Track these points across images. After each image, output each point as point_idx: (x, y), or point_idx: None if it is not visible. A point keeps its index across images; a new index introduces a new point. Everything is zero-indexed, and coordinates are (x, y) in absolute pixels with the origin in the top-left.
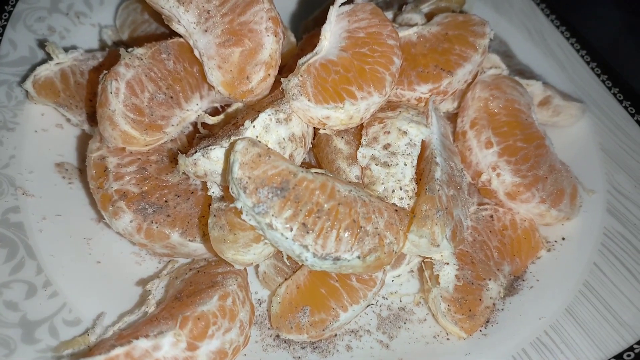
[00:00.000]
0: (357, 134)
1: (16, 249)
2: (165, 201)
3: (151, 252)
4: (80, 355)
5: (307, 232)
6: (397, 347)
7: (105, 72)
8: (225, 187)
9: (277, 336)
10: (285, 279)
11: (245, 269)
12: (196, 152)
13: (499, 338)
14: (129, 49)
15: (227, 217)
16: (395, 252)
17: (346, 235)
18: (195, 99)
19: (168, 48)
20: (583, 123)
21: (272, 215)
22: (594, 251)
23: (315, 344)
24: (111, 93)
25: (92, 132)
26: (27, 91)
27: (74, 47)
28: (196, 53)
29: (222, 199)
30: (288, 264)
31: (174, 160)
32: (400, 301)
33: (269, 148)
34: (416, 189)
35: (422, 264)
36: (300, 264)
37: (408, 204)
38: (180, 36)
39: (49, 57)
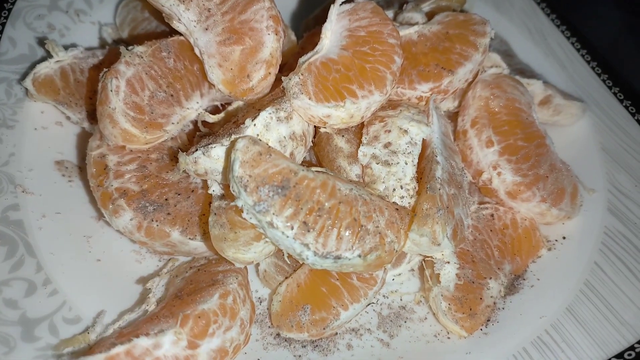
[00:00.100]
0: (357, 132)
1: (16, 246)
2: (166, 199)
3: (151, 251)
4: (80, 353)
5: (308, 231)
6: (398, 346)
7: (105, 70)
8: (225, 186)
9: (278, 335)
10: (286, 278)
11: (245, 267)
12: (197, 150)
13: (500, 337)
14: (129, 47)
15: (228, 215)
16: (396, 251)
17: (347, 233)
18: (195, 97)
19: (168, 46)
20: (583, 122)
21: (273, 214)
22: (595, 250)
23: (316, 343)
24: (111, 91)
25: (92, 130)
26: (26, 89)
27: (73, 45)
28: (197, 51)
29: (222, 197)
30: (289, 262)
31: (174, 159)
32: (401, 300)
33: (269, 146)
34: (417, 188)
35: (423, 262)
36: (301, 262)
37: (409, 203)
38: (181, 34)
39: (48, 55)
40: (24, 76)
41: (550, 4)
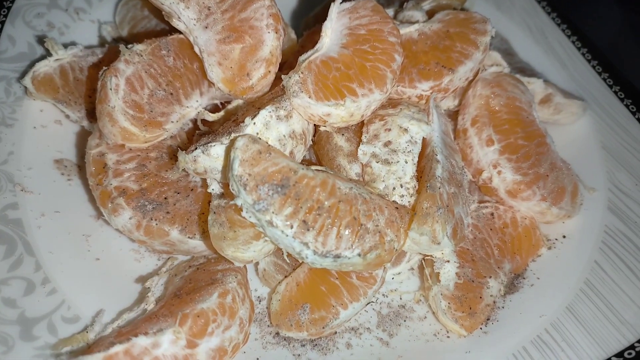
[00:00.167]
0: (357, 131)
1: (14, 245)
2: (165, 198)
3: (150, 249)
4: (79, 352)
5: (308, 230)
6: (397, 345)
7: (104, 68)
8: (225, 184)
9: (277, 334)
10: (285, 277)
11: (245, 266)
12: (196, 149)
13: (500, 336)
14: (129, 46)
15: (227, 214)
16: (396, 250)
17: (347, 232)
18: (195, 95)
19: (168, 44)
20: (584, 121)
21: (273, 213)
22: (595, 249)
23: (315, 342)
24: (111, 89)
25: (92, 128)
26: (25, 87)
27: (73, 44)
28: (196, 50)
29: (222, 196)
30: (288, 261)
31: (173, 157)
32: (401, 299)
33: (269, 145)
34: (417, 187)
35: (423, 261)
36: (301, 261)
37: (409, 202)
38: (181, 32)
39: (48, 53)
40: (23, 74)
41: (551, 3)
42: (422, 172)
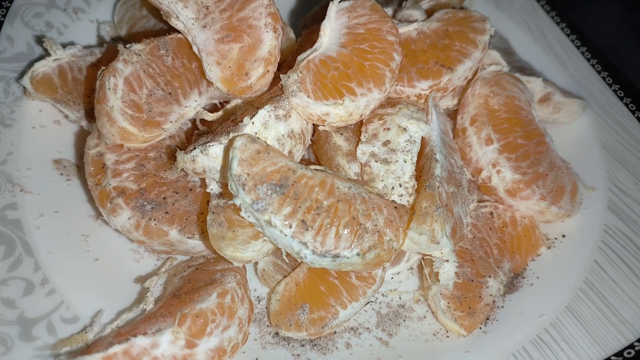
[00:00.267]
0: (356, 130)
1: (13, 246)
2: (164, 198)
3: (149, 249)
4: (78, 353)
5: (307, 229)
6: (397, 345)
7: (103, 68)
8: (224, 184)
9: (276, 334)
10: (284, 276)
11: (244, 266)
12: (195, 148)
13: (499, 335)
14: (127, 45)
15: (226, 214)
16: (395, 249)
17: (345, 232)
18: (193, 95)
19: (166, 44)
20: (583, 120)
21: (271, 212)
22: (595, 248)
23: (315, 342)
24: (109, 89)
25: (90, 128)
26: (24, 87)
27: (71, 43)
28: (195, 49)
29: (220, 195)
30: (287, 261)
31: (172, 157)
32: (400, 298)
33: (268, 145)
34: (416, 186)
35: (422, 261)
36: (300, 261)
37: (408, 201)
38: (179, 32)
39: (46, 53)
40: (22, 74)
41: (550, 1)
42: (421, 171)
